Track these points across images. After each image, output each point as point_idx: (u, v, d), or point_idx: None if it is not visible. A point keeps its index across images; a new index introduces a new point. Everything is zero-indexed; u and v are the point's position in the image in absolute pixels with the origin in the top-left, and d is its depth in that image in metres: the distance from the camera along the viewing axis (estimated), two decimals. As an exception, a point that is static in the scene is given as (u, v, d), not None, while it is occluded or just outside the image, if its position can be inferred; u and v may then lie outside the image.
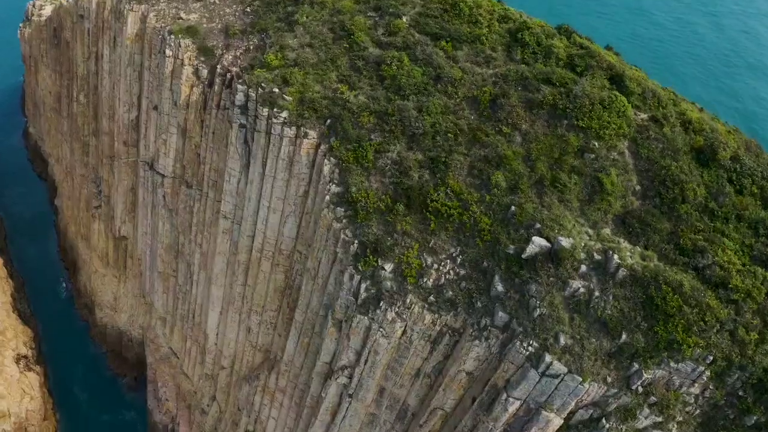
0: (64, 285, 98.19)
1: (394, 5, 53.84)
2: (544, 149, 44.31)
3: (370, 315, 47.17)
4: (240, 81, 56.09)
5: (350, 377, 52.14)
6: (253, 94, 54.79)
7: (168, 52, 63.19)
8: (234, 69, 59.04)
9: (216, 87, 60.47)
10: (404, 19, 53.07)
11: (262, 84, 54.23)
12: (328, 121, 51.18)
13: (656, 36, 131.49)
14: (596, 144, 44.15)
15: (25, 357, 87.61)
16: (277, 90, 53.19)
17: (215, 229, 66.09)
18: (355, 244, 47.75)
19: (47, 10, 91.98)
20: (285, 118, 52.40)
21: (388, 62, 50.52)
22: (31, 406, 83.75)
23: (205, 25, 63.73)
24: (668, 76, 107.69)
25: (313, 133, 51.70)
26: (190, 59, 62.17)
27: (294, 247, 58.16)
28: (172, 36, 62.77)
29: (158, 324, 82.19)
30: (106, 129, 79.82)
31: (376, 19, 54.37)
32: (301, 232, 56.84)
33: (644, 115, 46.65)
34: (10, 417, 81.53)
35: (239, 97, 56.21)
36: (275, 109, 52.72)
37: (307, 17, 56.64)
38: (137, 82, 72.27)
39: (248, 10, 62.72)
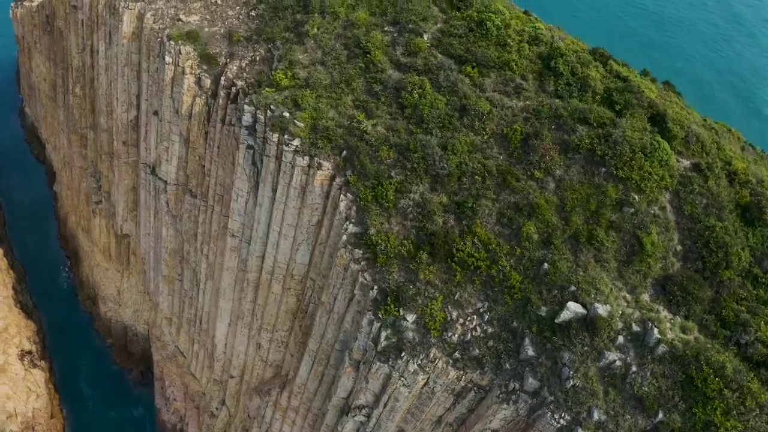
0: (65, 274, 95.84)
1: (414, 21, 49.60)
2: (580, 199, 41.24)
3: (390, 363, 45.02)
4: (247, 100, 52.52)
5: (368, 417, 50.38)
6: (262, 117, 51.36)
7: (167, 58, 59.34)
8: (239, 83, 55.36)
9: (220, 100, 56.91)
10: (425, 37, 49.02)
11: (271, 106, 50.71)
12: (344, 152, 47.92)
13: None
14: (636, 197, 41.08)
15: (30, 353, 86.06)
16: (287, 114, 49.72)
17: (222, 242, 63.46)
18: (375, 290, 45.25)
19: None
20: (297, 146, 49.15)
21: (409, 89, 46.85)
22: (38, 405, 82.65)
23: (206, 29, 59.63)
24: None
25: (327, 164, 48.52)
26: (191, 68, 58.42)
27: (307, 273, 55.64)
28: (172, 42, 58.79)
29: (164, 322, 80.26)
30: (104, 126, 76.20)
31: (394, 35, 50.27)
32: (314, 261, 54.18)
33: (687, 162, 43.38)
34: (17, 417, 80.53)
35: (246, 118, 52.77)
36: (286, 136, 49.40)
37: (318, 29, 52.54)
38: (135, 82, 68.44)
39: (253, 14, 58.47)
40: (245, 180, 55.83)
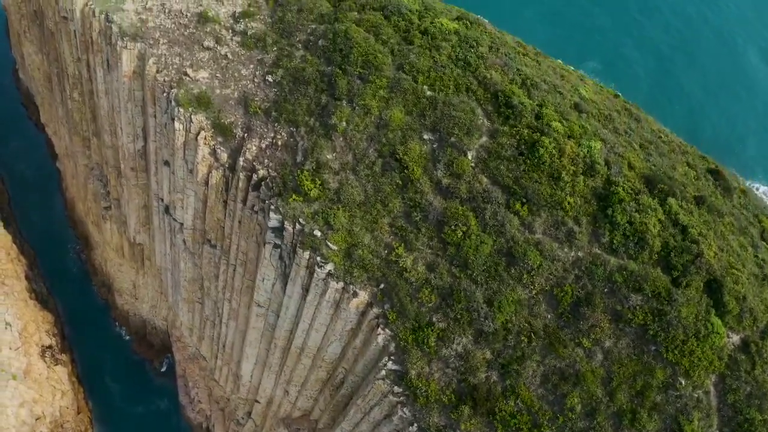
0: (76, 255, 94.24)
1: (457, 135, 44.87)
2: (627, 375, 39.86)
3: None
4: (273, 206, 48.81)
5: None
6: (290, 228, 48.13)
7: (177, 125, 55.01)
8: (261, 170, 51.38)
9: (240, 183, 53.20)
10: (469, 155, 44.57)
11: (300, 219, 47.32)
12: (382, 285, 45.30)
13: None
14: (683, 382, 39.77)
15: (50, 347, 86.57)
16: (318, 233, 46.56)
17: (248, 298, 61.76)
18: (415, 427, 44.56)
19: None
20: (330, 270, 46.36)
21: (453, 226, 43.33)
22: (64, 402, 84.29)
23: (217, 91, 54.60)
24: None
25: (363, 294, 46.14)
26: (205, 140, 54.06)
27: (338, 361, 54.51)
28: (181, 109, 53.91)
29: (184, 328, 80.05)
30: (109, 143, 71.82)
31: (434, 146, 45.65)
32: (346, 357, 52.88)
33: (736, 337, 41.48)
34: (45, 418, 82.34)
35: (273, 223, 49.44)
36: (319, 258, 46.50)
37: (346, 122, 47.78)
38: (140, 116, 63.71)
39: (270, 79, 53.12)
40: (272, 270, 53.31)
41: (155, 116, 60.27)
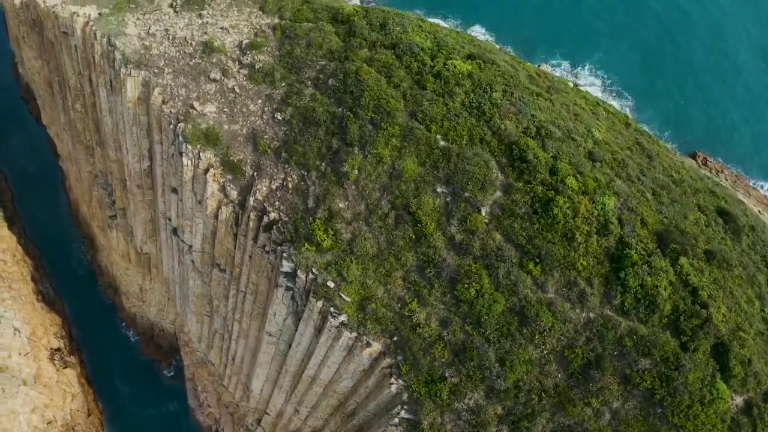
0: (81, 255, 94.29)
1: (472, 191, 44.61)
2: (633, 437, 40.52)
3: None
4: (285, 253, 48.75)
5: None
6: (303, 276, 48.20)
7: (185, 160, 54.75)
8: (272, 212, 51.19)
9: (251, 222, 53.03)
10: (483, 212, 44.42)
11: (313, 269, 47.38)
12: (395, 338, 45.64)
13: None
14: None
15: (59, 350, 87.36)
16: (332, 284, 46.71)
17: (258, 323, 62.14)
18: (428, 470, 45.46)
19: None
20: (344, 321, 46.65)
21: (466, 284, 43.46)
22: (75, 405, 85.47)
23: (225, 126, 54.06)
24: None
25: (376, 344, 46.55)
26: (214, 177, 53.71)
27: (350, 394, 55.18)
28: (189, 146, 53.47)
29: (192, 335, 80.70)
30: (114, 157, 71.39)
31: (448, 199, 45.41)
32: (358, 392, 53.51)
33: (739, 399, 42.22)
34: (56, 422, 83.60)
35: (286, 269, 49.45)
36: (332, 308, 46.74)
37: (359, 170, 47.42)
38: (146, 138, 63.15)
39: (279, 117, 52.52)
40: (284, 307, 53.55)
41: (161, 143, 59.72)
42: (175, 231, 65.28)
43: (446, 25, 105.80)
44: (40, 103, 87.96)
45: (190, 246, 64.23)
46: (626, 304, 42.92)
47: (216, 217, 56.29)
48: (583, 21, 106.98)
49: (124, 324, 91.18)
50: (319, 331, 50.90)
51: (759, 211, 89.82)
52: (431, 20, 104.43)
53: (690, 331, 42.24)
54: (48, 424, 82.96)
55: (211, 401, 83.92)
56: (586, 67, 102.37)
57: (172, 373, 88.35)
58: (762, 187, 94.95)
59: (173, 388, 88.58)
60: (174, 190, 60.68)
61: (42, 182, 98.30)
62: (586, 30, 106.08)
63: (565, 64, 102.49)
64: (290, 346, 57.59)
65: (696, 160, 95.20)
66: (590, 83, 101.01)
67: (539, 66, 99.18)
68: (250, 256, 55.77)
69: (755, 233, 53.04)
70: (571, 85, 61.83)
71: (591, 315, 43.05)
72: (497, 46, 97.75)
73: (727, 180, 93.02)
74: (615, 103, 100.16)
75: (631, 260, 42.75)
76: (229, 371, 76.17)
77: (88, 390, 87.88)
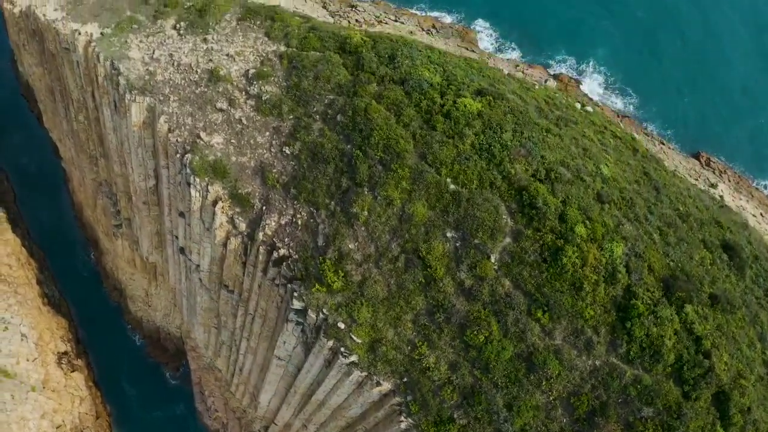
0: (86, 256, 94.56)
1: (481, 238, 44.80)
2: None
3: None
4: (296, 293, 49.04)
5: None
6: (313, 316, 48.61)
7: (193, 192, 54.81)
8: (282, 248, 51.34)
9: (260, 256, 53.22)
10: (493, 259, 44.69)
11: (324, 310, 47.76)
12: (405, 378, 46.26)
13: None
14: None
15: (66, 353, 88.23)
16: (342, 325, 47.16)
17: (266, 344, 62.69)
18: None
19: None
20: (354, 361, 47.20)
21: (475, 330, 43.97)
22: (83, 408, 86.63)
23: (233, 158, 53.95)
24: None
25: (387, 384, 47.20)
26: (223, 209, 53.76)
27: (359, 420, 55.98)
28: (197, 178, 53.39)
29: (200, 342, 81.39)
30: (119, 172, 71.17)
31: (457, 244, 45.61)
32: (367, 419, 54.31)
33: None
34: (66, 426, 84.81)
35: (296, 306, 49.82)
36: (342, 349, 47.28)
37: (368, 212, 47.50)
38: (152, 159, 62.93)
39: (287, 151, 52.37)
40: (294, 338, 54.01)
41: (168, 168, 59.57)
42: (182, 250, 65.45)
43: (450, 20, 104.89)
44: (42, 107, 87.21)
45: (198, 265, 64.45)
46: (632, 353, 43.65)
47: (224, 245, 56.43)
48: (587, 15, 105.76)
49: (129, 326, 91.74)
50: (329, 363, 51.48)
51: (761, 214, 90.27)
52: (434, 14, 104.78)
53: (692, 380, 43.09)
54: (57, 428, 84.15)
55: (218, 406, 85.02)
56: (590, 64, 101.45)
57: (177, 380, 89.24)
58: (765, 188, 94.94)
59: (180, 391, 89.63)
60: (181, 214, 60.68)
61: (44, 182, 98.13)
62: (590, 25, 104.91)
63: (571, 61, 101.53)
64: (299, 369, 58.22)
65: (699, 160, 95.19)
66: (594, 81, 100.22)
67: (548, 69, 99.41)
68: (259, 285, 56.07)
69: (759, 263, 53.49)
70: (579, 106, 61.50)
71: (597, 363, 43.71)
72: (503, 58, 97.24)
73: (729, 181, 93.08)
74: (619, 101, 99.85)
75: (638, 311, 43.37)
76: (236, 380, 76.97)
77: (95, 393, 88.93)
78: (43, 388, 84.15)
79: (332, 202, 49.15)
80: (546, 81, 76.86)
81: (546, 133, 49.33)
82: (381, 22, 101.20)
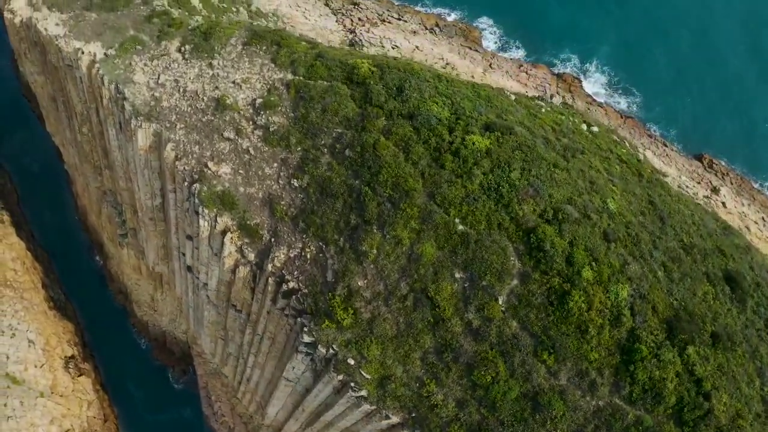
0: (91, 258, 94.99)
1: (489, 280, 45.38)
2: None
3: None
4: (306, 327, 49.66)
5: None
6: (323, 350, 49.31)
7: (202, 222, 55.10)
8: (291, 282, 51.86)
9: (269, 287, 53.77)
10: (500, 300, 45.37)
11: (333, 345, 48.47)
12: (413, 414, 47.17)
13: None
14: None
15: (73, 357, 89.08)
16: (352, 362, 47.92)
17: (274, 362, 63.43)
18: None
19: (18, 4, 73.41)
20: (364, 396, 48.04)
21: (482, 370, 44.79)
22: (91, 412, 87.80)
23: (241, 189, 54.23)
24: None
25: (395, 418, 48.09)
26: (232, 240, 54.12)
27: (368, 443, 57.03)
28: (206, 209, 53.67)
29: (206, 348, 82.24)
30: (124, 186, 71.32)
31: (466, 285, 46.18)
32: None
33: None
34: (74, 430, 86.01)
35: (306, 340, 50.46)
36: (352, 384, 48.08)
37: (377, 250, 47.96)
38: (158, 180, 63.09)
39: (295, 183, 52.61)
40: (303, 365, 54.73)
41: (175, 192, 59.76)
42: (189, 268, 65.89)
43: (453, 17, 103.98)
44: (44, 112, 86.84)
45: (205, 284, 64.98)
46: (634, 394, 44.72)
47: (233, 272, 56.90)
48: (591, 12, 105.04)
49: (135, 330, 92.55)
50: (338, 390, 52.32)
51: (763, 219, 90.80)
52: (437, 11, 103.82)
53: (692, 422, 44.38)
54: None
55: (225, 411, 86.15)
56: (594, 63, 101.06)
57: (184, 384, 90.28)
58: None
59: (187, 394, 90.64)
60: (189, 237, 61.03)
61: (47, 182, 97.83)
62: (594, 22, 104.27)
63: (575, 59, 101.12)
64: (308, 390, 59.08)
65: (702, 162, 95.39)
66: (597, 81, 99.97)
67: (552, 68, 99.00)
68: (268, 312, 56.67)
69: (760, 291, 54.18)
70: (585, 128, 61.62)
71: (600, 403, 44.73)
72: (507, 57, 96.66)
73: (732, 184, 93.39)
74: (623, 101, 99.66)
75: (641, 354, 44.29)
76: (243, 388, 77.96)
77: (103, 396, 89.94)
78: (52, 393, 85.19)
79: (341, 238, 49.52)
80: (552, 97, 76.60)
81: (554, 169, 49.59)
82: (384, 21, 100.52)
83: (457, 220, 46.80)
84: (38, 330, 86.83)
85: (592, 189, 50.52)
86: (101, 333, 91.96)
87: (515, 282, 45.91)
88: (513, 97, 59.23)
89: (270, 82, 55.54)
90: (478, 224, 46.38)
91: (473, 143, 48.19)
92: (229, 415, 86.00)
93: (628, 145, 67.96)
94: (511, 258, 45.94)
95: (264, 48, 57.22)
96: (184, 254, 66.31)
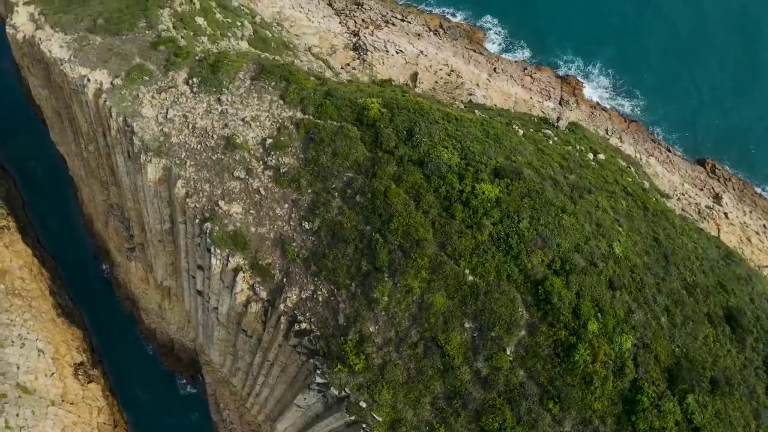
0: (97, 266, 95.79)
1: (498, 331, 46.53)
2: None
3: None
4: (319, 369, 50.79)
5: None
6: (335, 392, 50.50)
7: (214, 261, 55.77)
8: (303, 322, 52.86)
9: (281, 325, 54.78)
10: (508, 351, 46.56)
11: (346, 389, 49.71)
12: (424, 454, 48.70)
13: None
14: None
15: (82, 364, 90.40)
16: (364, 405, 49.19)
17: (284, 386, 64.65)
18: None
19: (20, 20, 72.90)
20: (376, 436, 49.52)
21: (490, 417, 46.17)
22: (101, 419, 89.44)
23: (253, 229, 54.93)
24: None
25: (410, 456, 49.56)
26: (244, 279, 54.96)
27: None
28: (218, 249, 54.40)
29: (214, 358, 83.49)
30: (132, 206, 71.75)
31: (475, 335, 47.33)
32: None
33: None
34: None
35: (318, 380, 51.62)
36: (364, 425, 49.47)
37: (388, 297, 48.93)
38: (167, 207, 63.62)
39: (306, 226, 53.29)
40: (313, 397, 55.95)
41: (185, 224, 60.33)
42: (200, 293, 66.76)
43: (457, 18, 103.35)
44: (49, 123, 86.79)
45: (216, 308, 65.93)
46: (635, 438, 46.31)
47: (245, 306, 57.81)
48: (595, 14, 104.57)
49: (142, 336, 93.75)
50: (349, 425, 53.70)
51: (764, 226, 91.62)
52: (441, 11, 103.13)
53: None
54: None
55: (234, 419, 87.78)
56: (597, 65, 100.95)
57: (193, 390, 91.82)
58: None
59: (196, 400, 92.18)
60: (200, 267, 61.78)
61: (52, 187, 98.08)
62: (598, 23, 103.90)
63: (578, 62, 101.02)
64: (318, 416, 60.46)
65: (705, 167, 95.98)
66: (601, 84, 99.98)
67: (556, 70, 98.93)
68: (279, 345, 57.75)
69: (759, 325, 55.33)
70: (591, 156, 62.13)
71: (605, 450, 46.26)
72: (511, 59, 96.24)
73: (734, 189, 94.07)
74: (626, 104, 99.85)
75: (643, 406, 45.73)
76: (252, 401, 79.46)
77: (112, 402, 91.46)
78: (62, 401, 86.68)
79: (353, 284, 50.42)
80: (558, 120, 76.75)
81: (561, 214, 50.33)
82: (388, 22, 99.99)
83: (467, 271, 47.70)
84: (47, 338, 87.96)
85: (599, 233, 51.32)
86: (109, 337, 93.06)
87: (523, 333, 47.09)
88: (521, 132, 59.56)
89: (279, 121, 55.78)
90: (488, 275, 47.31)
91: (483, 192, 48.85)
92: (238, 423, 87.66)
93: (633, 171, 68.35)
94: (520, 309, 47.00)
95: (273, 84, 57.35)
96: (194, 277, 67.07)
